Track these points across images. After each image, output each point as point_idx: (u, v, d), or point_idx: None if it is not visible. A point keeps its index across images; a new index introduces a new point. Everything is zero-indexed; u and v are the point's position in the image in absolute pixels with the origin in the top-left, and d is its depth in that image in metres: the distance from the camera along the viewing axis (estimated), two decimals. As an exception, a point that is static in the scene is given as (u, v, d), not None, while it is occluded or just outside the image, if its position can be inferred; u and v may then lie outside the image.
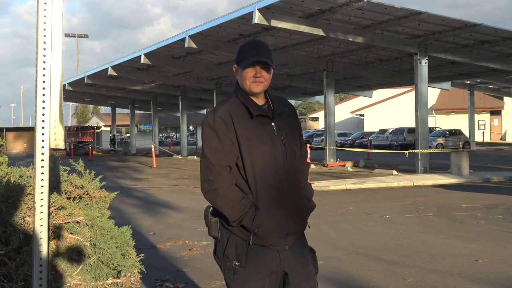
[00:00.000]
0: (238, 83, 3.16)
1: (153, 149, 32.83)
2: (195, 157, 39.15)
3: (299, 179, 3.22)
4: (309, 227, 3.29)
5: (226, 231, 3.07)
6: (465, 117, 48.03)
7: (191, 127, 72.07)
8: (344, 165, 25.87)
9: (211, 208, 3.13)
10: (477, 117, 50.60)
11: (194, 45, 23.71)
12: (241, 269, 3.02)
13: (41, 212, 3.24)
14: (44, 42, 3.18)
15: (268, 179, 3.02)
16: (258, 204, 3.00)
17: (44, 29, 3.18)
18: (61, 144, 3.23)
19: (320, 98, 55.78)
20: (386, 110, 64.16)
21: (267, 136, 3.06)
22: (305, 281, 3.16)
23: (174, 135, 74.33)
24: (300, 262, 3.17)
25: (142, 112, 68.23)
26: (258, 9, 18.36)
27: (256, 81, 3.08)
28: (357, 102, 69.26)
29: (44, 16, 3.17)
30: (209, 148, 3.02)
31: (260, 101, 3.16)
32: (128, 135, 67.61)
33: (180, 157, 41.13)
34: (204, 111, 63.81)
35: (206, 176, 3.02)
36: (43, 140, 3.20)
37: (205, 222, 3.14)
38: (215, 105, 38.12)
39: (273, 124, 3.11)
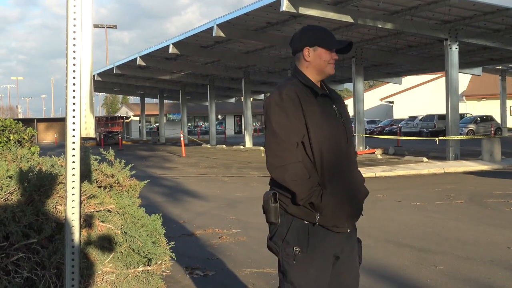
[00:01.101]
0: (301, 66, 3.23)
1: (182, 138, 32.99)
2: (224, 146, 39.25)
3: (356, 163, 3.29)
4: (362, 215, 3.29)
5: (287, 216, 3.06)
6: (497, 103, 47.34)
7: (219, 116, 72.21)
8: (373, 153, 25.70)
9: (272, 193, 3.09)
10: (509, 102, 49.76)
11: (222, 34, 23.73)
12: (302, 255, 3.01)
13: (73, 201, 3.27)
14: (74, 32, 3.20)
15: (332, 159, 3.05)
16: (324, 183, 3.02)
17: (74, 19, 3.20)
18: (91, 133, 3.26)
19: (349, 86, 55.39)
20: (416, 96, 63.47)
21: (331, 116, 3.13)
22: (350, 270, 3.22)
23: (202, 124, 74.60)
24: (351, 249, 3.22)
25: (171, 101, 68.57)
26: (285, -3, 18.31)
27: (332, 63, 3.23)
28: (387, 89, 68.64)
29: (74, 6, 3.19)
30: (278, 125, 3.03)
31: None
32: (157, 124, 68.02)
33: (209, 146, 41.28)
34: (233, 100, 63.83)
35: (274, 151, 3.02)
36: (74, 129, 3.23)
37: (264, 207, 3.11)
38: (243, 93, 38.29)
39: (334, 106, 3.19)
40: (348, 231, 3.13)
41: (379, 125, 53.58)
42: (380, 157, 24.19)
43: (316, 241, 3.04)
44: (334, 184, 3.03)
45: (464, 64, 31.62)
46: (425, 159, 20.80)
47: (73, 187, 3.27)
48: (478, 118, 45.23)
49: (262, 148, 29.81)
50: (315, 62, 3.21)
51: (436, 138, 21.85)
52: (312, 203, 2.98)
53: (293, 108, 3.02)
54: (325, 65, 3.21)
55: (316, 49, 3.20)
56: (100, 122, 53.81)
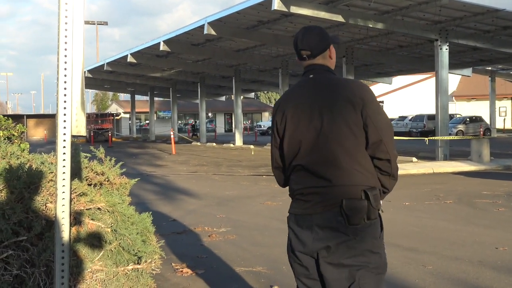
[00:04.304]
0: (330, 65, 3.28)
1: (172, 136, 32.93)
2: (214, 144, 39.21)
3: None
4: None
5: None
6: (486, 103, 47.56)
7: (210, 114, 72.15)
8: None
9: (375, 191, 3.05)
10: (498, 103, 50.07)
11: (213, 32, 23.70)
12: None
13: (63, 199, 3.27)
14: (66, 30, 3.20)
15: None
16: None
17: (66, 17, 3.19)
18: (82, 131, 3.26)
19: (339, 85, 55.19)
20: (406, 96, 63.71)
21: None
22: None
23: (193, 122, 74.57)
24: None
25: (161, 99, 68.45)
26: (277, -5, 18.32)
27: None
28: (377, 88, 68.73)
29: (66, 4, 3.19)
30: None
31: None
32: (147, 122, 67.88)
33: (199, 144, 41.23)
34: (223, 98, 63.79)
35: (394, 149, 3.13)
36: (65, 127, 3.22)
37: (377, 204, 3.04)
38: (234, 91, 38.29)
39: None
40: None
41: (369, 125, 53.51)
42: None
43: None
44: None
45: (454, 64, 31.74)
46: (414, 159, 20.85)
47: (63, 185, 3.27)
48: (468, 119, 45.42)
49: (252, 146, 29.83)
50: (334, 59, 3.30)
51: (426, 138, 21.92)
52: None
53: None
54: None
55: (332, 46, 3.29)
56: (90, 119, 53.64)
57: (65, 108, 3.22)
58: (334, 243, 2.95)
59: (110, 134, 46.39)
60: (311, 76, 3.19)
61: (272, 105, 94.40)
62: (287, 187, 3.28)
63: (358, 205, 2.94)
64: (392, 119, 51.81)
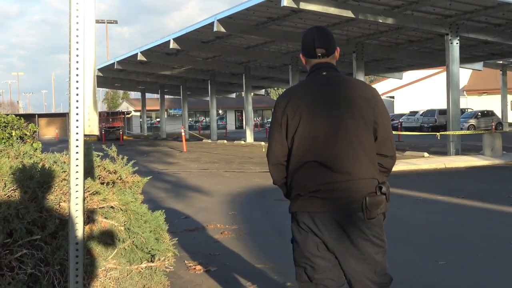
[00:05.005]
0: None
1: (183, 134, 32.96)
2: (225, 141, 39.23)
3: None
4: None
5: None
6: (498, 97, 47.29)
7: (220, 111, 72.14)
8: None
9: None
10: (509, 97, 49.68)
11: (222, 29, 23.73)
12: None
13: (77, 197, 3.28)
14: (77, 30, 3.20)
15: None
16: None
17: (77, 16, 3.20)
18: (95, 130, 3.27)
19: (349, 81, 55.04)
20: (417, 91, 63.42)
21: None
22: None
23: (203, 119, 74.58)
24: None
25: (172, 96, 68.50)
26: (286, -8, 18.30)
27: None
28: (387, 84, 68.56)
29: (77, 4, 3.19)
30: None
31: None
32: (158, 119, 68.03)
33: (210, 141, 41.27)
34: (233, 95, 63.79)
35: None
36: (77, 127, 3.24)
37: (389, 198, 3.16)
38: (244, 88, 38.29)
39: None
40: None
41: (380, 120, 53.37)
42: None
43: None
44: None
45: (465, 59, 31.60)
46: (426, 154, 20.80)
47: (76, 184, 3.28)
48: (479, 113, 45.18)
49: (263, 143, 29.82)
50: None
51: (437, 133, 21.85)
52: None
53: None
54: None
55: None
56: (101, 117, 53.82)
57: (77, 107, 3.23)
58: (353, 238, 3.06)
59: (121, 132, 46.52)
60: (324, 73, 3.25)
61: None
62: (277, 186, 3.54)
63: (379, 200, 3.07)
64: (403, 114, 51.71)
